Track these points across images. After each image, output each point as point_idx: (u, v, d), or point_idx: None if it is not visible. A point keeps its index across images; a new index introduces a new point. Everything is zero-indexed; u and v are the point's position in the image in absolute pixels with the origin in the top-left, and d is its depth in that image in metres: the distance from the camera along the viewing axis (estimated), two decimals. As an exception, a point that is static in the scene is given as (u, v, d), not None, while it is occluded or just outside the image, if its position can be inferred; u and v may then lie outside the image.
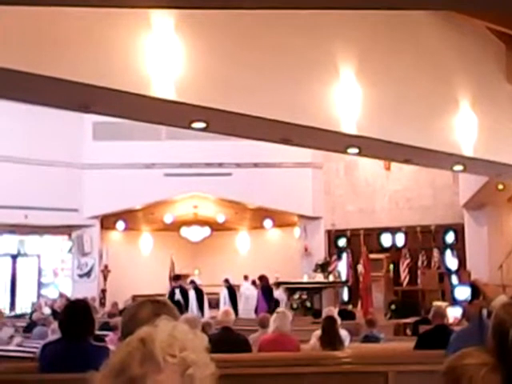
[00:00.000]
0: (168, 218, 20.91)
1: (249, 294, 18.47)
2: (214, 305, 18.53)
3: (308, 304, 18.13)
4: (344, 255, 19.81)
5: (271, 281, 19.22)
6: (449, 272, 18.01)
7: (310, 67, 8.12)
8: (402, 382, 5.19)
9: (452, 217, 18.13)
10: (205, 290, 20.10)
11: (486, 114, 10.51)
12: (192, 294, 17.58)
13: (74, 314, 4.40)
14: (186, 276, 20.23)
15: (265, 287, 17.79)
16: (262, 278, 18.07)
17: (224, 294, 18.06)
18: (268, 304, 16.65)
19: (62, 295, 17.61)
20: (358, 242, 19.25)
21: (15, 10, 5.11)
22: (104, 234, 20.47)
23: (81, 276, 19.84)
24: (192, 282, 18.40)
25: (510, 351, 2.19)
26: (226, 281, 18.24)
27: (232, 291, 18.18)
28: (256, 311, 16.98)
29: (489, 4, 4.99)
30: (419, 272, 18.42)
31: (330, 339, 7.02)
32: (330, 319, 7.66)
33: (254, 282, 18.42)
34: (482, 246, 17.04)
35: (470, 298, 5.10)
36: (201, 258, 21.57)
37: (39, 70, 5.73)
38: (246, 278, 19.14)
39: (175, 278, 18.12)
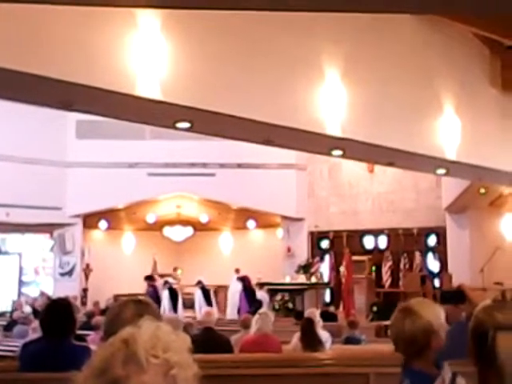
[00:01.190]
0: (151, 218, 20.85)
1: (235, 289, 18.58)
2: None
3: (290, 305, 18.15)
4: (326, 257, 19.85)
5: (253, 281, 19.23)
6: (430, 275, 18.11)
7: (295, 69, 8.14)
8: (382, 383, 5.21)
9: (434, 220, 18.22)
10: (187, 290, 20.10)
11: (469, 118, 10.58)
12: (166, 295, 17.51)
13: (56, 313, 4.37)
14: (168, 276, 20.19)
15: (247, 288, 17.76)
16: (244, 279, 18.04)
17: (198, 295, 17.95)
18: (250, 305, 16.64)
19: (43, 294, 17.52)
20: (340, 243, 19.30)
21: None
22: (86, 232, 20.38)
23: (62, 275, 19.73)
24: (166, 282, 18.36)
25: (488, 353, 2.22)
26: (199, 282, 18.23)
27: (206, 292, 18.10)
28: (239, 312, 16.99)
29: (473, 8, 5.02)
30: (401, 274, 18.50)
31: (310, 340, 7.05)
32: (308, 321, 7.69)
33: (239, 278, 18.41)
34: (463, 249, 17.14)
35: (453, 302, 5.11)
36: (183, 258, 21.52)
37: (23, 68, 5.69)
38: (237, 271, 19.28)
39: (146, 278, 18.03)
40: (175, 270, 19.83)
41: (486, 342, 2.22)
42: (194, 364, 1.27)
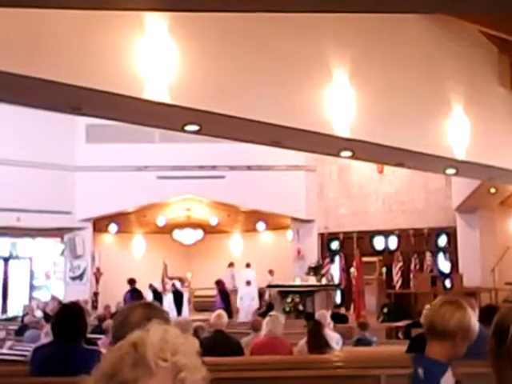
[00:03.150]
0: (161, 221, 20.88)
1: (250, 276, 19.00)
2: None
3: (300, 307, 18.12)
4: (337, 258, 19.82)
5: (264, 284, 19.22)
6: (441, 275, 18.04)
7: (304, 70, 8.13)
8: (394, 385, 5.18)
9: (445, 220, 18.17)
10: (197, 293, 20.15)
11: (478, 118, 10.54)
12: (150, 298, 17.43)
13: (68, 317, 4.38)
14: (179, 279, 20.21)
15: (222, 292, 17.70)
16: (219, 283, 17.97)
17: (169, 298, 17.74)
18: (226, 308, 16.54)
19: (54, 298, 17.56)
20: (350, 245, 19.27)
21: (6, 11, 5.09)
22: (96, 236, 20.42)
23: (73, 279, 19.77)
24: (150, 285, 18.35)
25: (507, 348, 2.22)
26: (173, 285, 18.18)
27: (178, 295, 17.96)
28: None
29: (481, 7, 5.01)
30: (412, 275, 18.44)
31: (317, 343, 7.01)
32: (316, 323, 7.66)
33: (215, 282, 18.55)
34: (474, 249, 17.08)
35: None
36: (194, 261, 21.54)
37: (31, 72, 5.71)
38: (248, 265, 19.66)
39: (129, 281, 18.00)
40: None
41: (506, 337, 2.24)
42: (202, 367, 1.27)
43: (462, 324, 2.86)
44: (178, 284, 18.24)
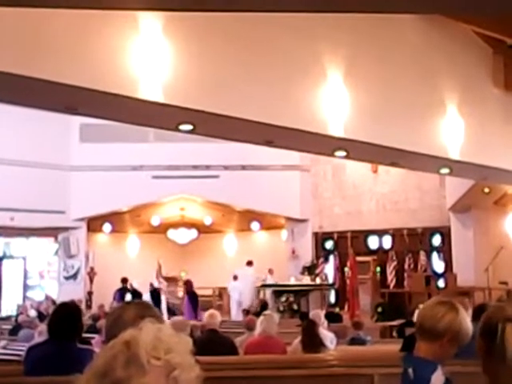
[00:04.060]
0: (155, 221, 20.86)
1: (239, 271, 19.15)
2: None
3: (295, 306, 18.13)
4: (331, 258, 19.82)
5: (259, 283, 19.22)
6: (435, 275, 18.06)
7: (298, 70, 8.14)
8: (387, 384, 5.20)
9: (439, 220, 18.19)
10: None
11: (472, 118, 10.56)
12: (128, 297, 17.35)
13: (65, 317, 4.38)
14: (174, 278, 20.18)
15: (190, 293, 17.53)
16: (186, 283, 17.79)
17: (146, 298, 17.56)
18: (194, 310, 16.40)
19: (47, 297, 17.55)
20: (345, 244, 19.26)
21: (1, 11, 5.08)
22: (90, 236, 20.39)
23: (67, 278, 19.74)
24: (130, 285, 18.32)
25: (498, 346, 2.22)
26: (151, 285, 18.11)
27: (156, 295, 17.82)
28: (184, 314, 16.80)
29: (475, 8, 5.02)
30: (406, 275, 18.46)
31: (311, 342, 7.02)
32: (310, 322, 7.66)
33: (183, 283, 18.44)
34: (468, 248, 17.10)
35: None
36: (188, 261, 21.51)
37: (26, 72, 5.70)
38: (249, 263, 19.69)
39: (122, 280, 17.94)
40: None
41: (495, 335, 2.24)
42: (196, 366, 1.27)
43: (452, 326, 2.82)
44: (155, 283, 18.17)
